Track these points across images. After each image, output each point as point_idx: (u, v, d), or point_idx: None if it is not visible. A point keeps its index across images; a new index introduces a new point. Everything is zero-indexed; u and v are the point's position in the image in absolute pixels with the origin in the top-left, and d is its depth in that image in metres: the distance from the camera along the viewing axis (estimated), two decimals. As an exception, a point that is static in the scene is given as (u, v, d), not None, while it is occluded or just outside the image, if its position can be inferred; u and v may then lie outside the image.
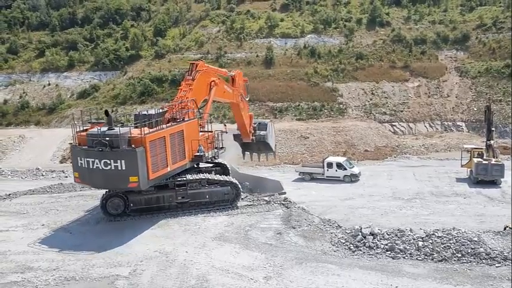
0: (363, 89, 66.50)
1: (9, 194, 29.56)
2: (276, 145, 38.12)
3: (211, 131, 26.13)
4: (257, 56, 70.04)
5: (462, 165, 40.31)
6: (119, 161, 21.17)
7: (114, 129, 21.93)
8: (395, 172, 42.54)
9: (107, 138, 21.39)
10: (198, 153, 24.05)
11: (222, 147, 26.39)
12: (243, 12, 78.50)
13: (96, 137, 21.59)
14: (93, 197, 27.16)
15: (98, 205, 23.90)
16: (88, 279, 17.64)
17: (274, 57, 69.09)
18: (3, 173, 43.02)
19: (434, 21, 74.99)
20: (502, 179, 36.97)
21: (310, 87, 65.94)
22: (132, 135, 21.63)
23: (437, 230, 18.97)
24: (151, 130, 22.49)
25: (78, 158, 22.25)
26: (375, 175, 40.82)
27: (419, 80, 67.77)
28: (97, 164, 21.41)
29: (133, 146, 21.23)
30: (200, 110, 27.33)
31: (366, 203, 30.16)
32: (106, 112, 23.17)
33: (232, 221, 22.41)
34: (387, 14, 76.38)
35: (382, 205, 29.93)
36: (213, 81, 28.00)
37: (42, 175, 42.25)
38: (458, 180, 38.78)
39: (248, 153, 37.79)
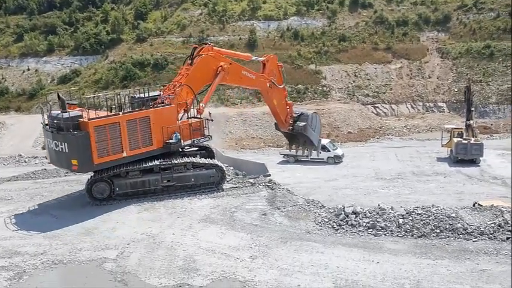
0: (346, 71, 66.65)
1: (-8, 180, 29.19)
2: (320, 140, 33.54)
3: (201, 118, 25.59)
4: (240, 38, 69.47)
5: (443, 145, 40.95)
6: (63, 143, 22.01)
7: (66, 112, 22.23)
8: (378, 153, 43.05)
9: (55, 121, 22.29)
10: (171, 141, 23.84)
11: (206, 136, 25.80)
12: (225, -6, 77.58)
13: (52, 119, 22.64)
14: (78, 182, 26.94)
15: (83, 190, 23.61)
16: (76, 263, 17.61)
17: (257, 40, 68.58)
18: (-16, 160, 42.41)
19: (416, 3, 75.23)
20: (481, 158, 37.71)
21: (293, 70, 65.69)
22: (80, 120, 22.05)
23: (417, 207, 19.56)
24: (100, 115, 22.82)
25: (45, 138, 23.81)
26: (358, 156, 41.25)
27: (401, 62, 68.17)
28: (52, 144, 22.65)
29: (77, 130, 21.82)
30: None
31: (349, 183, 30.51)
32: (58, 95, 23.43)
33: (217, 203, 22.53)
34: (369, -5, 76.29)
35: (365, 185, 30.35)
36: (221, 66, 26.65)
37: (25, 161, 41.67)
38: (439, 159, 39.40)
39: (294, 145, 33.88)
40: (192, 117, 25.50)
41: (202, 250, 17.67)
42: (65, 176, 29.48)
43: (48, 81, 65.63)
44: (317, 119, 33.11)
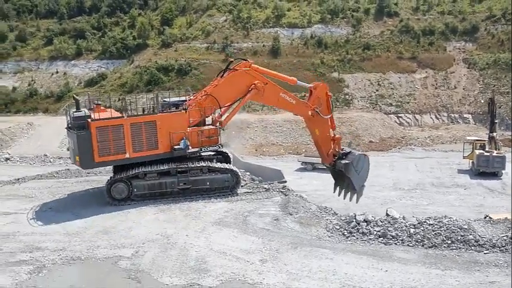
0: (369, 80, 66.40)
1: (18, 179, 30.17)
2: (363, 186, 27.93)
3: (215, 127, 25.75)
4: (263, 45, 69.95)
5: (464, 157, 40.55)
6: (71, 140, 24.10)
7: (80, 112, 23.72)
8: (398, 163, 42.83)
9: (68, 119, 24.12)
10: (178, 146, 24.27)
11: (216, 144, 25.81)
12: (250, 2, 78.15)
13: (69, 119, 24.27)
14: (98, 182, 27.59)
15: (103, 190, 24.29)
16: (93, 259, 18.18)
17: (280, 47, 68.91)
18: (12, 159, 43.56)
19: (443, 12, 74.47)
20: (503, 171, 37.15)
21: (316, 78, 65.48)
22: (87, 120, 23.27)
23: (429, 217, 19.47)
24: (103, 117, 23.77)
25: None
26: (377, 166, 40.81)
27: (426, 71, 67.54)
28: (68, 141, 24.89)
29: (82, 129, 23.13)
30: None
31: (366, 192, 30.21)
32: (73, 97, 25.41)
33: (231, 207, 22.87)
34: (395, 4, 75.94)
35: (383, 195, 30.29)
36: (254, 84, 26.04)
37: (50, 161, 42.78)
38: (460, 171, 39.01)
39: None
40: (206, 124, 25.64)
41: (214, 252, 17.99)
42: (87, 176, 30.27)
43: (76, 84, 67.09)
44: (365, 161, 28.33)
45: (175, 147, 24.29)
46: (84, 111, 24.04)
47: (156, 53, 70.73)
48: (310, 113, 27.35)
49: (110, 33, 74.29)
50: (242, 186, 25.82)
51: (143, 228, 20.75)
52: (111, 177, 24.76)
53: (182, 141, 24.22)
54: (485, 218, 19.86)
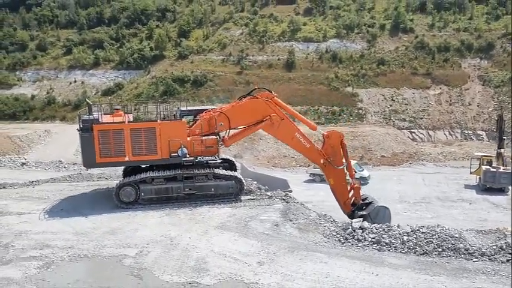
0: (383, 95, 66.74)
1: (33, 182, 31.28)
2: None
3: (216, 138, 26.16)
4: (278, 59, 70.90)
5: (471, 172, 40.75)
6: (79, 141, 25.35)
7: (91, 115, 25.26)
8: (405, 177, 42.98)
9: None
10: (175, 154, 25.08)
11: (213, 154, 26.08)
12: (267, 16, 79.52)
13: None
14: (109, 186, 28.47)
15: (113, 193, 25.19)
16: (99, 257, 18.98)
17: (295, 61, 69.79)
18: (28, 164, 44.91)
19: (459, 29, 74.61)
20: (509, 187, 37.27)
21: (330, 92, 66.53)
22: (92, 124, 24.60)
23: (423, 226, 19.93)
24: (106, 121, 25.17)
25: None
26: (385, 179, 41.43)
27: (440, 88, 67.66)
28: None
29: (88, 132, 24.49)
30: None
31: (371, 205, 30.66)
32: (86, 102, 26.84)
33: (234, 213, 23.50)
34: (411, 20, 76.44)
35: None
36: (270, 116, 25.85)
37: (65, 167, 43.96)
38: (467, 186, 39.15)
39: None
40: (206, 134, 26.05)
41: (214, 253, 18.61)
42: (98, 180, 31.25)
43: (93, 93, 68.52)
44: (385, 214, 26.15)
45: (172, 154, 25.04)
46: (93, 115, 25.13)
47: (173, 64, 72.10)
48: (322, 161, 26.64)
49: (127, 44, 76.06)
50: (246, 193, 26.38)
51: (148, 230, 21.48)
52: (120, 181, 25.63)
53: (180, 149, 24.94)
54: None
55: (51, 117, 65.87)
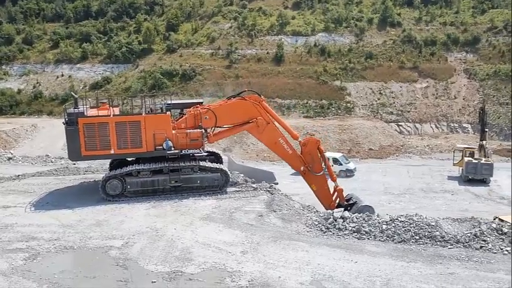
0: (371, 89, 67.26)
1: (18, 175, 31.34)
2: None
3: (200, 131, 26.36)
4: (267, 52, 71.08)
5: (454, 164, 41.47)
6: (65, 134, 25.50)
7: (76, 109, 25.68)
8: (390, 169, 43.55)
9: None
10: (160, 147, 25.39)
11: (198, 147, 26.47)
12: (255, 9, 79.52)
13: None
14: (95, 179, 28.66)
15: (99, 186, 25.40)
16: (85, 249, 19.25)
17: (284, 55, 70.01)
18: (15, 158, 44.71)
19: (446, 23, 75.29)
20: (491, 178, 38.00)
21: (318, 85, 66.90)
22: (78, 117, 24.89)
23: (401, 215, 20.46)
24: (91, 115, 25.48)
25: None
26: (371, 171, 41.95)
27: (427, 81, 68.26)
28: None
29: (73, 125, 24.75)
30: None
31: (356, 195, 31.10)
32: (72, 95, 27.38)
33: (219, 204, 23.82)
34: (399, 14, 76.98)
35: (372, 199, 30.95)
36: (256, 119, 26.52)
37: (52, 161, 43.79)
38: (450, 178, 39.86)
39: None
40: (192, 127, 26.36)
41: (198, 244, 18.94)
42: (84, 173, 31.43)
43: (81, 87, 68.14)
44: (370, 212, 24.45)
45: (157, 147, 25.30)
46: (79, 109, 25.30)
47: (161, 58, 72.04)
48: (302, 168, 27.18)
49: (115, 37, 75.71)
50: (231, 185, 26.71)
51: (134, 221, 21.74)
52: (105, 174, 25.86)
53: (165, 142, 25.21)
54: (494, 219, 20.36)
55: (38, 112, 65.62)
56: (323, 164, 27.30)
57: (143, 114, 25.64)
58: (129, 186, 25.19)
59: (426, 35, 72.85)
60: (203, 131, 26.20)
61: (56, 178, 30.26)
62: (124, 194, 25.27)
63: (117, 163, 27.33)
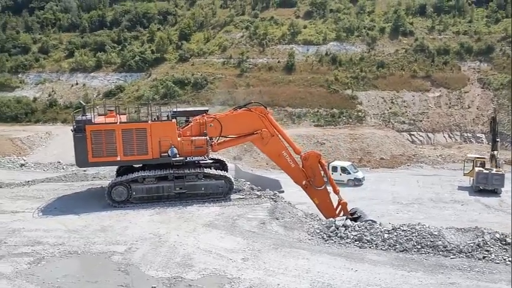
0: (383, 98, 66.88)
1: (28, 181, 31.88)
2: None
3: (205, 138, 26.51)
4: (278, 61, 71.24)
5: (464, 174, 41.04)
6: (73, 141, 25.65)
7: (84, 116, 26.03)
8: (401, 179, 43.22)
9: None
10: (166, 154, 25.54)
11: (203, 154, 26.57)
12: (267, 19, 79.84)
13: None
14: (102, 186, 28.96)
15: (105, 192, 25.69)
16: (88, 254, 19.50)
17: (295, 64, 70.05)
18: (27, 165, 45.53)
19: (459, 32, 74.60)
20: (502, 189, 37.51)
21: (329, 94, 66.79)
22: (85, 124, 25.20)
23: (404, 224, 20.35)
24: (98, 122, 25.74)
25: None
26: (380, 181, 41.71)
27: (440, 90, 67.62)
28: None
29: (81, 132, 25.04)
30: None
31: (364, 205, 31.00)
32: (80, 103, 28.12)
33: (223, 211, 23.93)
34: (411, 23, 76.55)
35: (380, 208, 31.01)
36: (261, 130, 26.68)
37: (63, 168, 44.47)
38: (460, 188, 39.46)
39: None
40: (197, 135, 26.56)
41: (200, 250, 19.05)
42: (92, 180, 31.82)
43: (94, 96, 68.90)
44: None
45: (163, 154, 25.51)
46: (87, 116, 25.66)
47: (173, 66, 72.64)
48: (304, 182, 27.24)
49: (129, 46, 76.64)
50: (235, 192, 26.80)
51: (138, 228, 21.94)
52: (111, 181, 26.18)
53: (170, 149, 25.41)
54: None
55: (52, 120, 66.41)
56: (325, 177, 27.46)
57: (149, 122, 25.87)
58: (134, 193, 25.44)
59: (439, 44, 72.31)
60: (208, 138, 26.32)
61: (65, 184, 30.71)
62: (129, 200, 25.52)
63: (124, 170, 27.62)
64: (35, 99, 69.66)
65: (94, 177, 32.13)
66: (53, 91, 71.04)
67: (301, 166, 27.48)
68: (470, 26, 75.32)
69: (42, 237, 21.16)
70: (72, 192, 28.36)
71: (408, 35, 75.04)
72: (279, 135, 27.46)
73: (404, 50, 72.68)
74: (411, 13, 79.13)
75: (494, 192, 37.32)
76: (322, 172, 27.39)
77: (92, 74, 73.52)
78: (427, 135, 64.04)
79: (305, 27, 77.30)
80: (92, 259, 19.03)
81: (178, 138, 25.89)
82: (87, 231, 21.75)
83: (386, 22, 77.34)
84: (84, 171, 36.62)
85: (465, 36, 73.87)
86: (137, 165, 27.12)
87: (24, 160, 47.61)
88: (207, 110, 29.17)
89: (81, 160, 25.58)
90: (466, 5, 78.70)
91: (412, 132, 63.83)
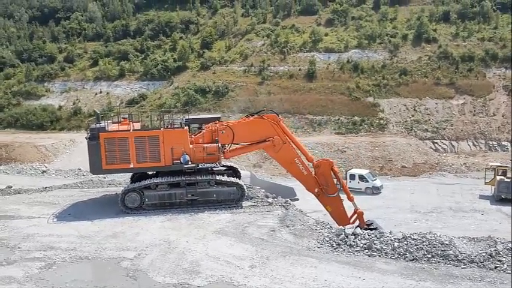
0: (405, 105, 66.04)
1: (46, 187, 32.50)
2: None
3: (217, 145, 26.56)
4: (299, 69, 71.08)
5: (486, 183, 40.15)
6: (87, 149, 26.48)
7: (98, 124, 26.55)
8: (421, 187, 42.50)
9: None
10: (178, 161, 25.69)
11: (215, 161, 26.54)
12: (288, 27, 79.98)
13: None
14: (117, 192, 29.22)
15: (118, 199, 25.95)
16: (98, 259, 19.74)
17: (316, 71, 69.80)
18: (49, 171, 46.40)
19: (484, 39, 73.26)
20: None
21: (351, 102, 66.28)
22: (99, 132, 25.66)
23: (414, 233, 19.97)
24: (112, 130, 26.16)
25: None
26: (399, 189, 41.07)
27: (464, 98, 66.40)
28: None
29: (95, 140, 25.58)
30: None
31: (382, 214, 30.75)
32: (94, 111, 26.23)
33: (234, 218, 23.94)
34: (434, 30, 75.53)
35: (398, 217, 30.54)
36: (272, 137, 26.69)
37: (83, 175, 45.09)
38: (482, 197, 38.61)
39: None
40: (209, 142, 26.67)
41: (208, 257, 19.06)
42: (107, 186, 32.20)
43: (117, 104, 69.79)
44: None
45: (175, 161, 25.67)
46: (101, 124, 25.98)
47: (195, 75, 73.18)
48: (316, 190, 27.16)
49: (152, 55, 77.68)
50: (247, 199, 26.72)
51: (149, 234, 22.12)
52: (125, 187, 26.46)
53: (182, 156, 25.57)
54: None
55: (77, 127, 67.41)
56: (338, 184, 27.19)
57: (161, 129, 26.03)
58: (147, 200, 25.66)
59: (463, 51, 71.09)
60: (219, 145, 26.34)
61: (81, 190, 31.18)
62: (142, 207, 25.70)
63: (138, 177, 27.85)
64: (60, 107, 71.00)
65: (109, 184, 32.58)
66: (77, 99, 72.32)
67: (313, 174, 27.25)
68: (495, 33, 73.96)
69: (55, 243, 21.52)
70: (87, 198, 28.79)
71: (432, 42, 74.01)
72: (291, 143, 27.29)
73: (427, 57, 71.72)
74: (434, 20, 78.21)
75: (516, 201, 36.46)
76: (335, 180, 27.09)
77: (116, 82, 74.64)
78: (451, 143, 62.86)
79: (326, 34, 77.05)
80: (101, 264, 19.27)
81: (191, 146, 26.03)
82: (99, 237, 22.01)
83: (409, 29, 76.50)
84: (104, 177, 37.03)
85: (490, 42, 72.49)
86: (151, 172, 27.31)
87: (46, 167, 48.48)
88: (219, 118, 29.34)
89: (95, 167, 26.05)
90: (490, 11, 77.32)
91: (435, 140, 62.73)
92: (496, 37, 72.82)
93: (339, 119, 64.33)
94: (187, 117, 28.73)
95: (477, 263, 17.37)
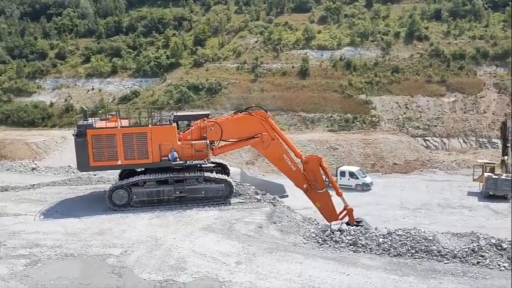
0: (397, 103, 66.27)
1: (33, 185, 32.40)
2: None
3: (205, 142, 26.53)
4: (293, 66, 71.07)
5: (474, 179, 40.50)
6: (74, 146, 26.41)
7: (87, 121, 26.33)
8: (411, 184, 42.71)
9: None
10: (166, 158, 25.66)
11: (203, 158, 26.68)
12: (281, 24, 79.91)
13: None
14: (105, 189, 29.14)
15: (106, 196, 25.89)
16: (84, 256, 19.70)
17: (309, 68, 69.81)
18: (38, 169, 46.19)
19: (475, 37, 73.53)
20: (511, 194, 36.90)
21: (343, 99, 66.39)
22: (86, 129, 25.48)
23: (399, 229, 20.13)
24: (99, 126, 26.09)
25: None
26: (389, 186, 41.27)
27: (455, 95, 66.72)
28: None
29: (82, 137, 25.37)
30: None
31: (371, 210, 30.90)
32: (82, 108, 26.28)
33: (221, 215, 23.96)
34: (426, 28, 75.71)
35: (387, 213, 30.73)
36: (261, 134, 26.76)
37: (73, 172, 44.77)
38: (470, 194, 38.93)
39: None
40: (197, 139, 26.61)
41: (195, 253, 19.11)
42: (96, 183, 32.12)
43: (110, 101, 69.33)
44: None
45: (163, 158, 25.63)
46: (88, 121, 25.89)
47: (188, 72, 72.98)
48: (305, 186, 27.25)
49: (144, 52, 77.30)
50: (235, 196, 26.73)
51: (136, 231, 22.12)
52: (112, 184, 26.44)
53: (170, 153, 25.53)
54: None
55: (68, 124, 66.69)
56: (327, 180, 27.32)
57: (149, 126, 25.98)
58: (135, 196, 25.64)
59: (454, 49, 71.34)
60: (208, 142, 26.31)
61: (69, 188, 31.11)
62: (130, 204, 25.65)
63: (127, 174, 27.79)
64: (51, 104, 70.65)
65: (98, 181, 32.49)
66: (69, 96, 72.00)
67: (302, 170, 27.29)
68: (486, 31, 74.26)
69: (41, 240, 21.46)
70: (75, 195, 28.70)
71: (423, 40, 74.23)
72: (280, 139, 27.32)
73: (419, 54, 71.94)
74: (426, 18, 78.35)
75: (504, 198, 36.71)
76: (324, 176, 27.17)
77: (108, 79, 74.35)
78: (442, 140, 63.25)
79: (319, 32, 77.09)
80: (87, 262, 19.22)
81: (179, 142, 25.98)
82: (86, 234, 21.98)
83: (401, 27, 76.70)
84: (94, 174, 36.89)
85: (481, 40, 72.78)
86: (139, 169, 27.25)
87: (36, 164, 48.22)
88: (208, 114, 29.30)
89: (83, 164, 25.92)
90: (482, 9, 77.56)
91: (426, 138, 63.09)
92: (487, 35, 73.14)
93: (331, 117, 64.45)
94: (175, 114, 28.64)
95: (460, 258, 17.54)
